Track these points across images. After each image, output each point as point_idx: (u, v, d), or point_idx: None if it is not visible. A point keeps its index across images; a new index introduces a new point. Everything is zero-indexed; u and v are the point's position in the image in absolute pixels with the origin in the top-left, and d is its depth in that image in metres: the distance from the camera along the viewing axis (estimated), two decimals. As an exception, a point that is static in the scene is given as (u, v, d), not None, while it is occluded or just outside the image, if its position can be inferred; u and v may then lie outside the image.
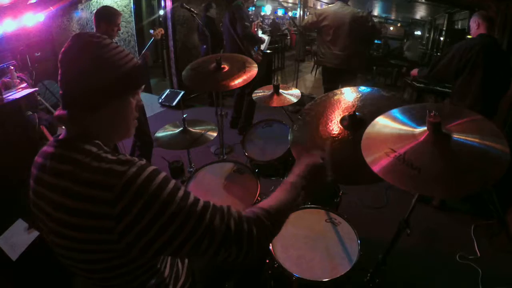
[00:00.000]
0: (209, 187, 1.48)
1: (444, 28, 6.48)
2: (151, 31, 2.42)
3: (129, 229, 0.60)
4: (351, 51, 2.99)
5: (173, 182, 0.66)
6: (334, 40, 3.00)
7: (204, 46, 4.16)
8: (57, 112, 0.72)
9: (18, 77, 2.76)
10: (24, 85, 2.68)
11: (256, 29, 3.50)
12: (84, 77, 0.68)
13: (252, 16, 3.39)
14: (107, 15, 2.05)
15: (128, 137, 0.81)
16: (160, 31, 2.45)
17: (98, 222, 0.61)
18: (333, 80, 3.17)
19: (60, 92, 0.71)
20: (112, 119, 0.73)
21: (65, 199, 0.63)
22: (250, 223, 0.70)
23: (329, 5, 3.11)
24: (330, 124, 1.27)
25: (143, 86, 0.80)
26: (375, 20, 10.50)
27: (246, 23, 3.11)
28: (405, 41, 7.29)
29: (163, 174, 0.66)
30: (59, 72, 0.70)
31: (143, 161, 0.66)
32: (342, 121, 1.25)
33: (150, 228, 0.61)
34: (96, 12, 2.09)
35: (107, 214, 0.60)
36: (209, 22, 4.04)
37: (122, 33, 4.68)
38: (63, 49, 0.69)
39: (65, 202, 0.63)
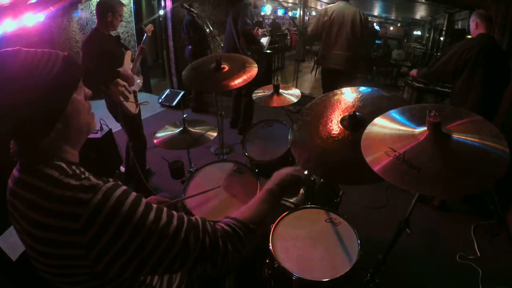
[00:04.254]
0: (209, 187, 1.48)
1: (444, 28, 6.48)
2: (143, 26, 2.42)
3: (103, 255, 0.59)
4: (351, 52, 2.97)
5: (143, 203, 0.64)
6: (336, 39, 2.97)
7: (190, 47, 4.11)
8: (12, 149, 0.66)
9: (18, 77, 2.76)
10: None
11: (259, 35, 3.44)
12: (22, 106, 0.59)
13: (256, 18, 3.33)
14: (113, 6, 2.06)
15: (91, 132, 0.77)
16: (150, 27, 2.43)
17: (68, 250, 0.60)
18: (332, 81, 3.15)
19: None
20: (68, 127, 0.68)
21: (33, 228, 0.61)
22: (225, 239, 0.71)
23: (332, 4, 3.10)
24: (330, 124, 1.27)
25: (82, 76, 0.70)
26: (375, 20, 10.55)
27: (248, 21, 3.10)
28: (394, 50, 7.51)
29: (132, 196, 0.63)
30: None
31: (110, 183, 0.63)
32: (342, 121, 1.25)
33: (124, 252, 0.60)
34: (99, 3, 2.07)
35: (76, 243, 0.58)
36: (193, 21, 3.94)
37: (122, 33, 4.68)
38: None
39: (33, 231, 0.61)
